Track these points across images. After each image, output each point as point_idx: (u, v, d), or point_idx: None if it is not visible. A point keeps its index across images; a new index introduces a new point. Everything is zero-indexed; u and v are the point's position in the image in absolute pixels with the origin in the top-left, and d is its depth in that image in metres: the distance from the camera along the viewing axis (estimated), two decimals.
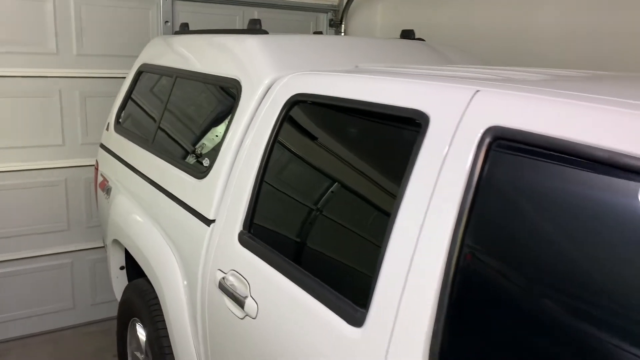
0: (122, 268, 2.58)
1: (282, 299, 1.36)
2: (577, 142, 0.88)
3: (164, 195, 2.05)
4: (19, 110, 2.97)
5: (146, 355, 2.24)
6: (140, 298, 2.19)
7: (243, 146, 1.69)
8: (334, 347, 1.17)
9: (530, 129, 0.96)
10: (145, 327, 2.16)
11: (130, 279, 2.60)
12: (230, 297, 1.53)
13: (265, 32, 2.07)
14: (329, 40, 2.06)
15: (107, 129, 2.85)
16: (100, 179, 2.80)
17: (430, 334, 1.00)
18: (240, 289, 1.51)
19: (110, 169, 2.66)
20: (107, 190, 2.65)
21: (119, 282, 2.59)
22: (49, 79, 3.01)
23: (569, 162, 0.89)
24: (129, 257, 2.56)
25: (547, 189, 0.91)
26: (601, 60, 2.37)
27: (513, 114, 1.00)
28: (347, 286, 1.21)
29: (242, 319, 1.49)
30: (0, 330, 3.11)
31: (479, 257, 0.97)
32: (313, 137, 1.49)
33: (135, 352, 2.38)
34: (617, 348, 0.79)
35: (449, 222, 1.01)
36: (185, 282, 1.83)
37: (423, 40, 2.46)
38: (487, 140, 1.01)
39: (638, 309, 0.77)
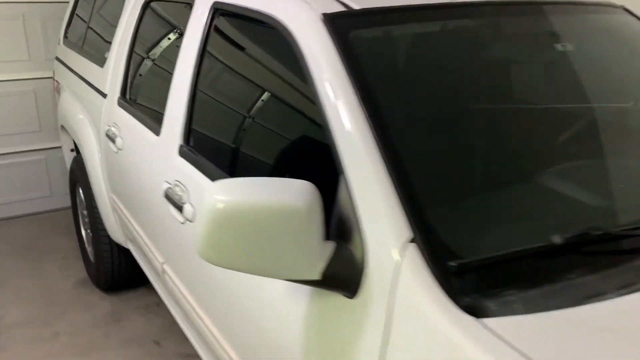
0: (72, 150, 3.39)
1: (132, 134, 2.13)
2: (242, 4, 1.57)
3: (85, 84, 2.82)
4: None
5: (85, 209, 3.08)
6: (78, 167, 3.00)
7: (120, 37, 2.43)
8: (147, 148, 1.95)
9: (234, 2, 1.66)
10: (81, 188, 2.99)
11: None
12: (111, 140, 2.32)
13: None
14: None
15: (59, 44, 3.60)
16: (55, 84, 3.58)
17: (183, 129, 1.76)
18: (116, 132, 2.29)
19: (61, 74, 3.43)
20: (59, 91, 3.43)
21: (70, 162, 3.41)
22: (11, 4, 3.75)
23: (244, 15, 1.59)
24: None
25: (239, 34, 1.64)
26: None
27: None
28: (157, 114, 1.97)
29: (116, 152, 2.28)
30: None
31: (205, 81, 1.72)
32: (162, 26, 2.22)
33: (83, 211, 3.23)
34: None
35: (194, 59, 1.74)
36: (97, 144, 2.62)
37: None
38: (212, 11, 1.73)
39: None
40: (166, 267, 1.91)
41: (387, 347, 0.94)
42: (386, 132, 1.09)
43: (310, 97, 1.26)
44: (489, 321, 0.87)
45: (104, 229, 2.78)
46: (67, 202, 4.23)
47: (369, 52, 1.26)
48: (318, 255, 1.02)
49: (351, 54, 1.22)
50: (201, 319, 1.62)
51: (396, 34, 1.33)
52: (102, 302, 3.04)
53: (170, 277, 1.88)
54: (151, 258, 2.08)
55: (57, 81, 3.55)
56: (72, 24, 3.49)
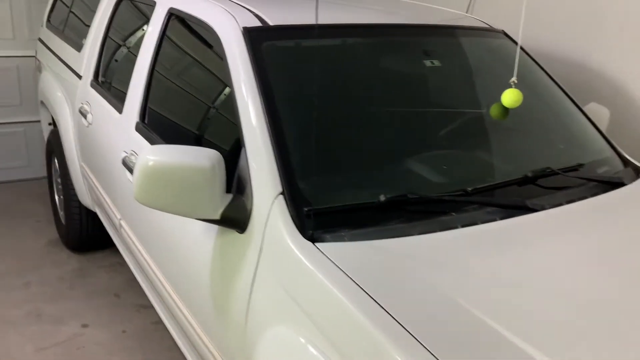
0: (50, 124, 3.78)
1: (100, 111, 2.55)
2: (189, 12, 2.01)
3: (64, 66, 3.22)
4: None
5: (59, 177, 3.49)
6: (54, 138, 3.40)
7: (96, 27, 2.84)
8: (111, 123, 2.38)
9: (180, 8, 2.09)
10: (56, 157, 3.39)
11: None
12: (83, 115, 2.74)
13: None
14: None
15: (42, 26, 3.98)
16: (37, 63, 3.97)
17: (140, 109, 2.18)
18: (87, 109, 2.71)
19: (42, 54, 3.82)
20: (40, 70, 3.82)
21: (47, 134, 3.81)
22: None
23: (190, 21, 2.03)
24: None
25: (186, 36, 2.07)
26: None
27: (179, 2, 2.14)
28: (121, 96, 2.39)
29: (87, 126, 2.70)
30: None
31: (158, 70, 2.14)
32: (131, 21, 2.64)
33: (57, 179, 3.63)
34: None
35: (151, 52, 2.17)
36: (71, 119, 3.03)
37: None
38: (168, 15, 2.16)
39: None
40: (122, 222, 2.34)
41: (259, 262, 1.40)
42: (276, 122, 1.54)
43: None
44: (321, 245, 1.32)
45: (75, 195, 3.19)
46: (43, 172, 4.61)
47: (277, 60, 1.70)
48: (219, 202, 1.47)
49: (261, 61, 1.67)
50: (145, 260, 2.06)
51: (301, 45, 1.77)
52: (70, 260, 3.46)
53: (125, 230, 2.32)
54: (111, 216, 2.51)
55: (38, 60, 3.93)
56: (55, 9, 3.87)
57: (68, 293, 3.16)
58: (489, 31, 2.25)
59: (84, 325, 2.90)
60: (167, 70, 2.11)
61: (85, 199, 3.10)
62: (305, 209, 1.40)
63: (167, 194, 1.46)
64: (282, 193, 1.43)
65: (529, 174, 1.71)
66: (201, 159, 1.45)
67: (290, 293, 1.30)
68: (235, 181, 1.55)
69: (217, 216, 1.47)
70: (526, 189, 1.73)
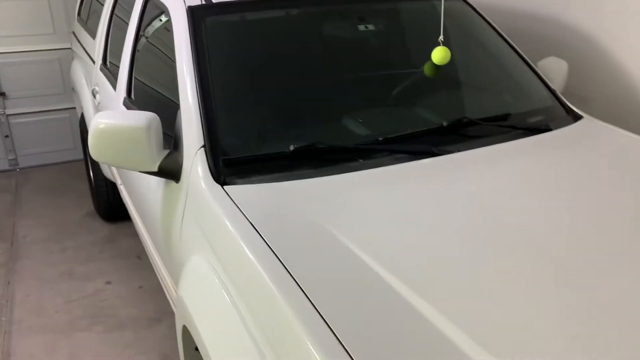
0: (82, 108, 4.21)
1: (105, 91, 2.89)
2: None
3: (86, 54, 3.60)
4: (19, 10, 4.58)
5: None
6: (83, 120, 3.80)
7: (104, 15, 3.18)
8: (109, 100, 2.70)
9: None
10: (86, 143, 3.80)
11: None
12: (94, 97, 3.09)
13: None
14: None
15: (75, 20, 4.40)
16: (72, 53, 4.40)
17: (126, 86, 2.48)
18: (97, 90, 3.06)
19: (74, 45, 4.24)
20: (73, 59, 4.24)
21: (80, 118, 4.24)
22: None
23: (156, 4, 2.29)
24: None
25: (152, 15, 2.34)
26: None
27: None
28: (116, 76, 2.70)
29: (97, 105, 3.05)
30: (25, 160, 4.94)
31: (137, 50, 2.43)
32: (124, 9, 2.95)
33: (89, 157, 4.06)
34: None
35: (133, 34, 2.46)
36: (91, 102, 3.41)
37: None
38: (145, 0, 2.43)
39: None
40: (121, 187, 2.68)
41: (185, 205, 1.66)
42: (204, 87, 1.79)
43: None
44: (228, 187, 1.56)
45: (100, 169, 3.58)
46: None
47: (214, 33, 1.94)
48: (156, 156, 1.74)
49: (200, 35, 1.91)
50: (133, 212, 2.38)
51: (238, 19, 1.99)
52: (102, 228, 3.88)
53: (122, 192, 2.65)
54: (117, 182, 2.85)
55: (73, 51, 4.37)
56: (83, 2, 4.27)
57: (97, 255, 3.58)
58: None
59: (108, 282, 3.30)
60: (142, 50, 2.39)
61: (107, 172, 3.48)
62: (221, 158, 1.64)
63: (115, 151, 1.75)
64: (204, 146, 1.67)
65: (444, 124, 1.86)
66: (139, 120, 1.72)
67: (201, 227, 1.56)
68: (174, 139, 1.81)
69: (155, 168, 1.74)
70: (450, 138, 1.88)
